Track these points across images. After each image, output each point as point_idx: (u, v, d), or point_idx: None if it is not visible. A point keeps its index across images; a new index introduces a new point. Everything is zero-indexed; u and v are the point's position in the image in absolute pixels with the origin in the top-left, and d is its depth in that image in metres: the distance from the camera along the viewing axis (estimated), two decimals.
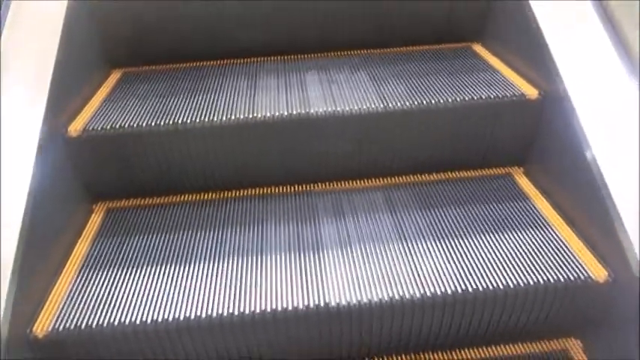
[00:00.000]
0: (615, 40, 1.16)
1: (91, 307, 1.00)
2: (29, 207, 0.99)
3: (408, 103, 1.22)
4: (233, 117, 1.21)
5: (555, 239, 1.11)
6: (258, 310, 0.97)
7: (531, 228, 1.14)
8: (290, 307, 0.97)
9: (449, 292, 0.99)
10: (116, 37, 1.49)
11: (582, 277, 1.01)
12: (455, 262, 1.06)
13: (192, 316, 0.97)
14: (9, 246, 0.94)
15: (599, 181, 1.02)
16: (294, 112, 1.21)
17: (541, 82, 1.25)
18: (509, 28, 1.42)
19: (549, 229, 1.14)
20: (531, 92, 1.25)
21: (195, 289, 1.03)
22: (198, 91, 1.35)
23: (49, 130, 1.10)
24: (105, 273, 1.08)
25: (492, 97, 1.24)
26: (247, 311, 0.97)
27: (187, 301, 1.00)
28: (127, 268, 1.09)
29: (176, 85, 1.40)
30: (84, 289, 1.05)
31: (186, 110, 1.25)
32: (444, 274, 1.03)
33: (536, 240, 1.11)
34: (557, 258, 1.06)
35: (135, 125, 1.20)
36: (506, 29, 1.44)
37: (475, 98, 1.23)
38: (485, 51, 1.53)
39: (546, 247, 1.09)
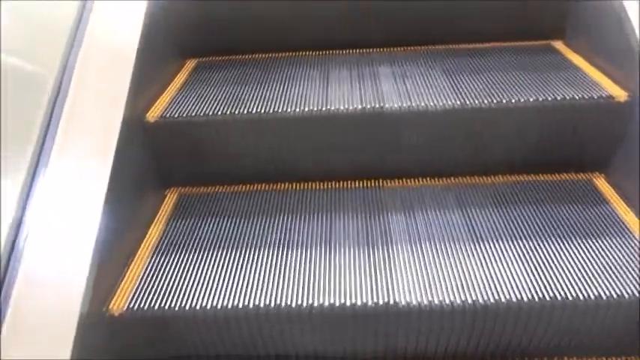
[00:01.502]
0: None
1: (163, 290, 1.02)
2: (109, 190, 1.02)
3: (486, 101, 1.18)
4: (306, 109, 1.21)
5: (638, 249, 1.05)
6: (327, 304, 0.97)
7: (612, 236, 1.09)
8: (359, 303, 0.96)
9: (525, 299, 0.95)
10: (191, 28, 1.52)
11: None
12: (530, 268, 1.01)
13: (262, 305, 0.97)
14: (89, 227, 0.97)
15: None
16: (368, 106, 1.20)
17: (630, 83, 1.18)
18: (597, 27, 1.35)
19: (631, 237, 1.08)
20: (619, 94, 1.18)
21: (264, 277, 1.03)
22: (271, 81, 1.36)
23: (129, 116, 1.13)
24: (177, 257, 1.11)
25: (577, 97, 1.18)
26: (316, 304, 0.97)
27: (257, 290, 1.00)
28: (198, 253, 1.11)
29: (249, 75, 1.42)
30: (157, 272, 1.07)
31: (259, 100, 1.26)
32: (519, 280, 0.99)
33: (617, 248, 1.05)
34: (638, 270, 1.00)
35: (210, 113, 1.22)
36: (593, 27, 1.37)
37: (558, 98, 1.18)
38: (568, 49, 1.47)
39: (628, 257, 1.03)
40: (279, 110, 1.21)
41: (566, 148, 1.26)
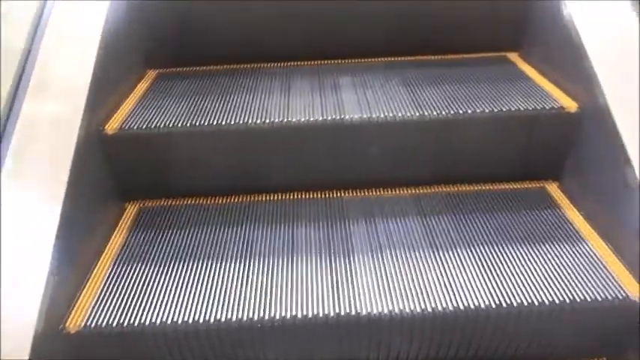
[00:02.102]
0: None
1: (122, 304, 1.01)
2: (66, 204, 1.00)
3: (444, 112, 1.21)
4: (267, 120, 1.21)
5: (590, 255, 1.08)
6: (288, 316, 0.97)
7: (566, 242, 1.12)
8: (321, 315, 0.97)
9: (482, 306, 0.97)
10: (152, 38, 1.51)
11: (620, 296, 0.98)
12: (488, 275, 1.04)
13: (223, 319, 0.97)
14: (45, 243, 0.95)
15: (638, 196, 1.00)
16: (329, 118, 1.21)
17: (580, 95, 1.22)
18: (548, 39, 1.40)
19: (584, 244, 1.12)
20: (570, 105, 1.22)
21: (225, 290, 1.03)
22: (233, 93, 1.36)
23: (87, 128, 1.11)
24: (136, 270, 1.09)
25: (530, 108, 1.22)
26: (277, 316, 0.97)
27: (218, 303, 1.00)
28: (158, 266, 1.10)
29: (210, 86, 1.41)
30: (116, 285, 1.06)
31: (220, 111, 1.25)
32: (477, 287, 1.01)
33: (570, 255, 1.09)
34: (593, 275, 1.03)
35: (170, 125, 1.21)
36: (545, 40, 1.42)
37: (513, 109, 1.22)
38: (522, 60, 1.52)
39: (581, 263, 1.06)
40: (241, 122, 1.21)
41: (521, 157, 1.30)
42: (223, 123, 1.21)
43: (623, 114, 1.08)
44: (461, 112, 1.21)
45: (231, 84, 1.42)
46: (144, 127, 1.20)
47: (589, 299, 0.98)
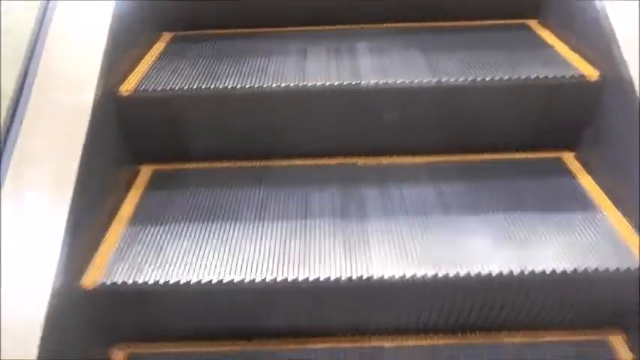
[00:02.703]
0: None
1: (137, 264, 1.02)
2: (81, 165, 1.01)
3: (461, 79, 1.19)
4: (283, 84, 1.20)
5: (605, 225, 1.08)
6: (301, 279, 0.98)
7: (581, 212, 1.11)
8: (333, 278, 0.98)
9: (493, 273, 0.97)
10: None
11: (633, 267, 0.98)
12: (501, 242, 1.04)
13: (236, 280, 0.98)
14: (62, 201, 0.96)
15: None
16: (345, 82, 1.20)
17: (602, 63, 1.20)
18: (569, 6, 1.36)
19: (600, 214, 1.11)
20: (591, 73, 1.20)
21: (239, 253, 1.04)
22: (249, 56, 1.35)
23: (102, 90, 1.11)
24: (150, 231, 1.10)
25: (550, 76, 1.19)
26: (290, 278, 0.98)
27: (231, 265, 1.01)
28: (173, 228, 1.11)
29: (225, 49, 1.40)
30: (130, 246, 1.07)
31: (235, 75, 1.25)
32: (490, 254, 1.01)
33: (584, 225, 1.08)
34: (607, 245, 1.03)
35: (185, 87, 1.20)
36: (566, 7, 1.38)
37: (531, 77, 1.19)
38: (542, 27, 1.48)
39: (595, 233, 1.06)
40: (256, 85, 1.20)
41: (538, 126, 1.28)
42: (238, 86, 1.20)
43: None
44: (478, 79, 1.19)
45: (247, 48, 1.41)
46: (159, 89, 1.20)
47: (602, 269, 0.98)
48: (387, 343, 1.07)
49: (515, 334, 1.09)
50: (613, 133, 1.17)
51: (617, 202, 1.13)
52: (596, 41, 1.20)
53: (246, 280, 0.98)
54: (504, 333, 1.09)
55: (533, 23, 1.51)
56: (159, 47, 1.44)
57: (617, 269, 0.98)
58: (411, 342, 1.08)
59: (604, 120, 1.19)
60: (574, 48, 1.31)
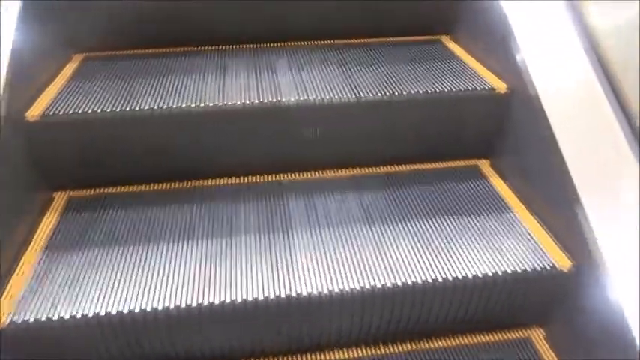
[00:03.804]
0: (582, 34, 1.18)
1: (51, 298, 0.96)
2: None
3: (379, 94, 1.22)
4: (202, 104, 1.18)
5: (520, 228, 1.13)
6: (228, 301, 0.96)
7: (497, 217, 1.17)
8: (261, 297, 0.96)
9: (419, 281, 1.00)
10: (79, 21, 1.43)
11: (548, 266, 1.03)
12: (424, 250, 1.07)
13: (161, 307, 0.94)
14: None
15: (563, 173, 1.04)
16: (265, 100, 1.20)
17: (510, 77, 1.27)
18: (478, 23, 1.43)
19: (514, 218, 1.17)
20: (500, 86, 1.27)
21: (164, 278, 1.00)
22: (165, 76, 1.32)
23: (5, 116, 1.05)
24: (66, 263, 1.04)
25: (462, 89, 1.25)
26: (217, 301, 0.95)
27: (154, 291, 0.97)
28: (89, 259, 1.05)
29: (140, 69, 1.36)
30: (43, 278, 1.01)
31: (151, 95, 1.21)
32: (414, 263, 1.03)
33: (501, 228, 1.14)
34: (521, 247, 1.08)
35: (98, 110, 1.15)
36: (475, 23, 1.45)
37: (445, 90, 1.24)
38: (453, 43, 1.55)
39: (511, 236, 1.11)
40: (174, 106, 1.18)
41: (454, 137, 1.34)
42: (155, 107, 1.17)
43: (550, 96, 1.13)
44: (396, 93, 1.23)
45: (163, 67, 1.38)
46: (70, 112, 1.15)
47: (519, 270, 1.03)
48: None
49: (442, 339, 1.11)
50: (522, 142, 1.23)
51: (528, 204, 1.20)
52: (504, 56, 1.27)
53: (171, 307, 0.94)
54: (433, 339, 1.11)
55: (445, 39, 1.58)
56: (69, 69, 1.37)
57: (534, 269, 1.03)
58: (343, 356, 1.08)
59: (514, 130, 1.26)
60: (483, 62, 1.38)
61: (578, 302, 1.03)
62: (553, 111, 1.11)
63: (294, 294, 0.97)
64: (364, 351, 1.09)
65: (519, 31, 1.23)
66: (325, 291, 0.97)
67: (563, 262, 1.04)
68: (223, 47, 1.52)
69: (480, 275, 1.01)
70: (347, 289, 0.98)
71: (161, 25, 1.48)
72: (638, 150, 1.01)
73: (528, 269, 1.03)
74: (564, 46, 1.18)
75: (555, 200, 1.10)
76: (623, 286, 0.91)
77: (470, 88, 1.26)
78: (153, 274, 1.01)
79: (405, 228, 1.13)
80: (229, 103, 1.19)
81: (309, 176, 1.31)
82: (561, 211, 1.07)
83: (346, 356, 1.09)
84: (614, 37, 1.11)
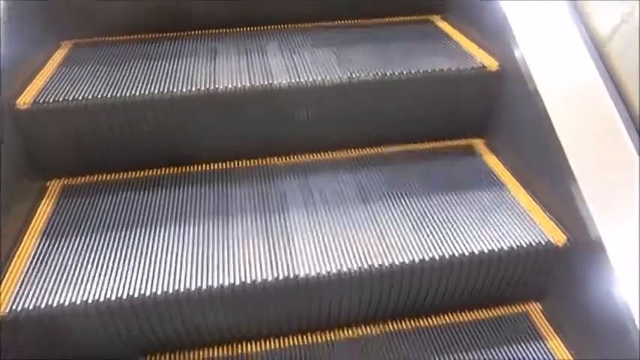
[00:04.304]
0: (574, 14, 1.18)
1: (48, 287, 0.96)
2: None
3: (371, 74, 1.22)
4: (193, 88, 1.17)
5: (514, 205, 1.14)
6: (227, 284, 0.96)
7: (492, 194, 1.18)
8: (259, 280, 0.96)
9: (416, 260, 1.00)
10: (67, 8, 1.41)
11: (543, 242, 1.04)
12: (419, 229, 1.07)
13: (159, 292, 0.94)
14: None
15: (557, 150, 1.05)
16: (257, 84, 1.19)
17: (501, 55, 1.26)
18: (472, 2, 1.42)
19: (509, 195, 1.17)
20: (491, 64, 1.26)
21: (162, 262, 1.00)
22: (156, 60, 1.30)
23: None
24: (62, 250, 1.04)
25: (454, 68, 1.25)
26: (215, 285, 0.96)
27: (152, 276, 0.97)
28: (86, 246, 1.05)
29: (131, 55, 1.35)
30: (41, 265, 1.00)
31: (142, 81, 1.20)
32: (410, 242, 1.04)
33: (496, 206, 1.14)
34: (517, 223, 1.09)
35: (89, 97, 1.14)
36: (469, 3, 1.44)
37: (437, 70, 1.24)
38: (445, 23, 1.54)
39: (506, 213, 1.12)
40: (165, 91, 1.17)
41: (447, 116, 1.34)
42: (146, 93, 1.16)
43: (543, 73, 1.13)
44: (388, 73, 1.23)
45: (153, 52, 1.36)
46: (60, 99, 1.13)
47: (515, 247, 1.03)
48: (320, 339, 1.08)
49: (442, 316, 1.12)
50: (516, 120, 1.23)
51: (523, 182, 1.20)
52: (496, 34, 1.27)
53: (170, 292, 0.95)
54: (433, 316, 1.12)
55: (436, 18, 1.57)
56: (59, 56, 1.36)
57: (530, 245, 1.04)
58: (344, 335, 1.09)
59: (507, 108, 1.26)
60: (475, 41, 1.38)
61: (574, 276, 1.04)
62: (546, 88, 1.11)
63: (292, 276, 0.97)
64: (364, 330, 1.10)
65: (511, 8, 1.22)
66: (323, 272, 0.98)
67: (558, 237, 1.05)
68: (213, 31, 1.50)
69: (476, 252, 1.02)
70: (344, 269, 0.98)
71: (149, 10, 1.46)
72: (632, 126, 1.01)
73: (524, 245, 1.04)
74: (556, 24, 1.17)
75: (550, 177, 1.10)
76: (618, 259, 0.92)
77: (461, 67, 1.25)
78: (151, 259, 1.01)
79: (402, 208, 1.13)
80: (220, 86, 1.18)
81: (303, 158, 1.31)
82: (556, 188, 1.08)
83: (349, 334, 1.09)
84: (608, 15, 1.11)
